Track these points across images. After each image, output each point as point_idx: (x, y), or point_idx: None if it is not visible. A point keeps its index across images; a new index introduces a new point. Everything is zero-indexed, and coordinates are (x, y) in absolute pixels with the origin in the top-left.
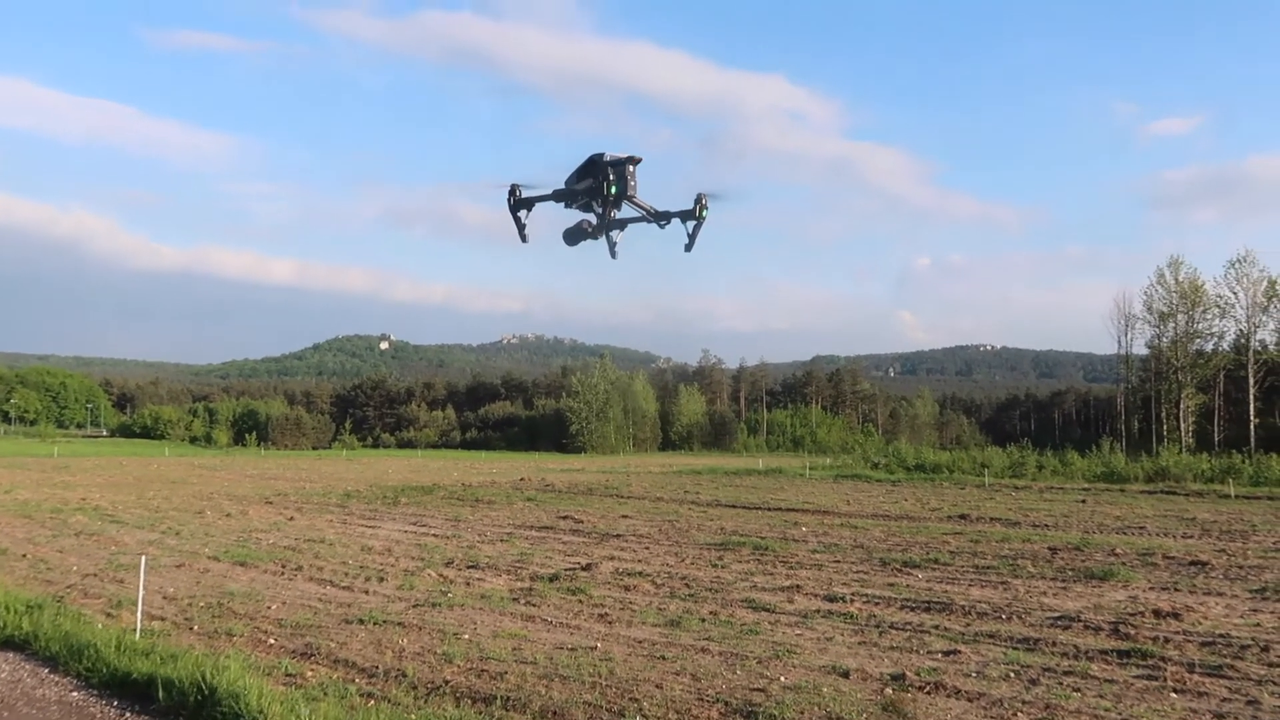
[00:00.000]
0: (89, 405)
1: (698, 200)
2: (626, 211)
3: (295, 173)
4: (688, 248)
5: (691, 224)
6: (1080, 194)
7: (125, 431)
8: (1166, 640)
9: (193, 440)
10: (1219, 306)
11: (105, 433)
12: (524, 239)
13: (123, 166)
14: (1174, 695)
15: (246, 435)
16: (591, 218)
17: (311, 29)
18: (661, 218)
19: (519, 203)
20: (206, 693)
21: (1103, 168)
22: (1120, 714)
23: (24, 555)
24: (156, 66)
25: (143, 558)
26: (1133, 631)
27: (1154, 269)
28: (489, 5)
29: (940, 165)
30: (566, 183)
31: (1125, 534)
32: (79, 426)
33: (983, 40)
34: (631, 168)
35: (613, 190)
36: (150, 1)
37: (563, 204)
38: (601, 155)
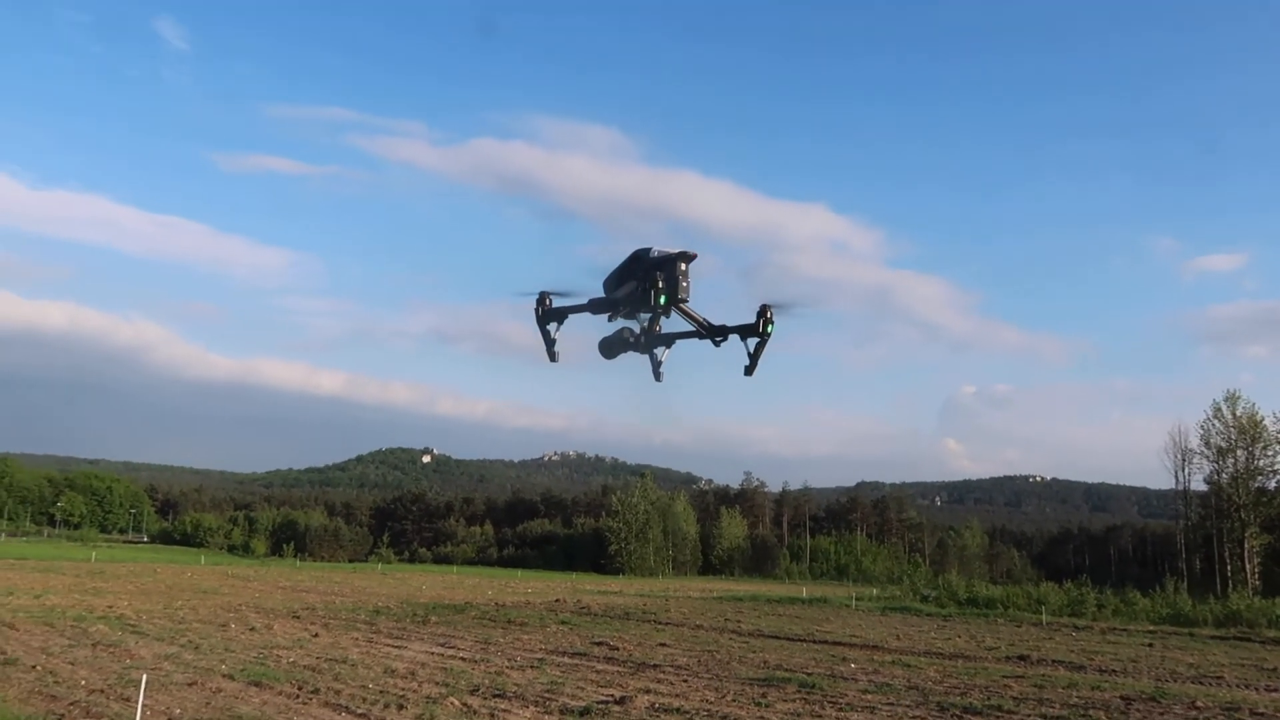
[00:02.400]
0: (133, 510)
1: (761, 313)
2: (675, 322)
3: (349, 289)
4: (749, 370)
5: (754, 341)
6: (1125, 327)
7: (165, 538)
8: None
9: (231, 549)
10: None
11: (146, 538)
12: (553, 357)
13: (187, 280)
14: None
15: (284, 545)
16: (634, 325)
17: (372, 155)
18: (717, 333)
19: (548, 314)
20: None
21: (1147, 301)
22: None
23: (34, 666)
24: (225, 187)
25: (143, 677)
26: None
27: (1209, 403)
28: (540, 135)
29: (982, 295)
30: (605, 285)
31: (1202, 684)
32: (121, 531)
33: (1022, 174)
34: (684, 266)
35: (661, 299)
36: (221, 127)
37: (603, 316)
38: (647, 251)
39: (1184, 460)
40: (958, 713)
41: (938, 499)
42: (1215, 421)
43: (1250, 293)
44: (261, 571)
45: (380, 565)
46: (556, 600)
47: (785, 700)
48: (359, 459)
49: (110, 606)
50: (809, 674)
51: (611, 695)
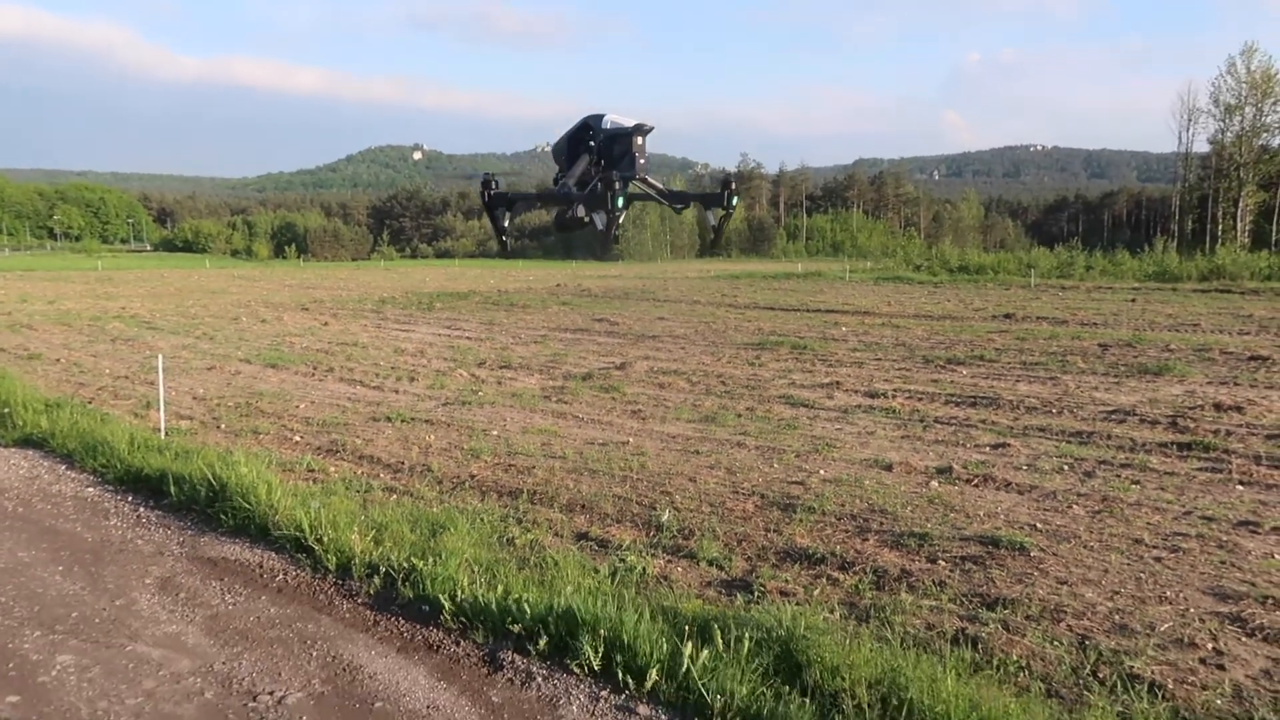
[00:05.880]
0: (130, 221)
1: (726, 185)
2: (633, 190)
3: None
4: (713, 244)
5: (717, 213)
6: None
7: (168, 246)
8: (1229, 433)
9: (234, 253)
10: None
11: (149, 247)
12: (504, 247)
13: None
14: (1240, 488)
15: (286, 248)
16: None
17: None
18: (678, 200)
19: (495, 199)
20: (217, 488)
21: None
22: (1184, 506)
23: (58, 360)
24: None
25: (159, 356)
26: (1192, 425)
27: (1224, 58)
28: None
29: None
30: (554, 152)
31: (1178, 331)
32: (123, 242)
33: None
34: (640, 140)
35: (619, 200)
36: None
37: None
38: (599, 119)
39: (1190, 120)
40: (941, 364)
41: (936, 173)
42: (1228, 77)
43: None
44: (266, 272)
45: (383, 261)
46: (557, 285)
47: (778, 360)
48: (349, 159)
49: (123, 308)
50: (801, 338)
51: (612, 362)
